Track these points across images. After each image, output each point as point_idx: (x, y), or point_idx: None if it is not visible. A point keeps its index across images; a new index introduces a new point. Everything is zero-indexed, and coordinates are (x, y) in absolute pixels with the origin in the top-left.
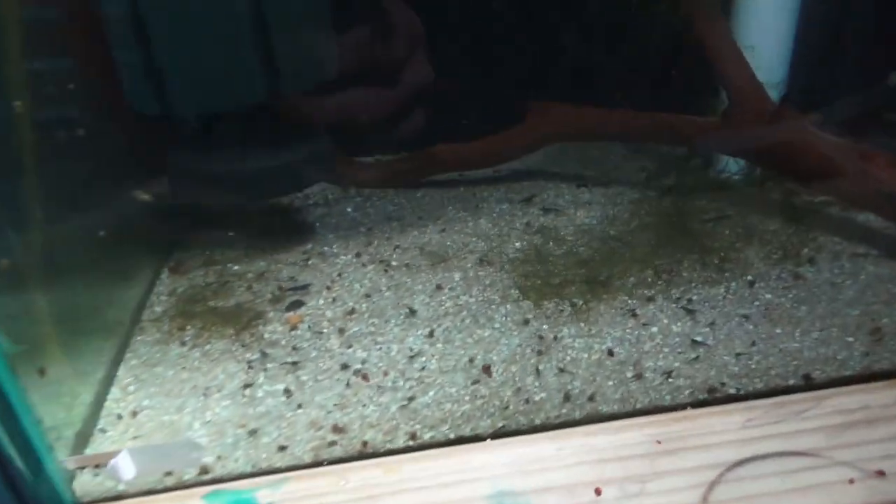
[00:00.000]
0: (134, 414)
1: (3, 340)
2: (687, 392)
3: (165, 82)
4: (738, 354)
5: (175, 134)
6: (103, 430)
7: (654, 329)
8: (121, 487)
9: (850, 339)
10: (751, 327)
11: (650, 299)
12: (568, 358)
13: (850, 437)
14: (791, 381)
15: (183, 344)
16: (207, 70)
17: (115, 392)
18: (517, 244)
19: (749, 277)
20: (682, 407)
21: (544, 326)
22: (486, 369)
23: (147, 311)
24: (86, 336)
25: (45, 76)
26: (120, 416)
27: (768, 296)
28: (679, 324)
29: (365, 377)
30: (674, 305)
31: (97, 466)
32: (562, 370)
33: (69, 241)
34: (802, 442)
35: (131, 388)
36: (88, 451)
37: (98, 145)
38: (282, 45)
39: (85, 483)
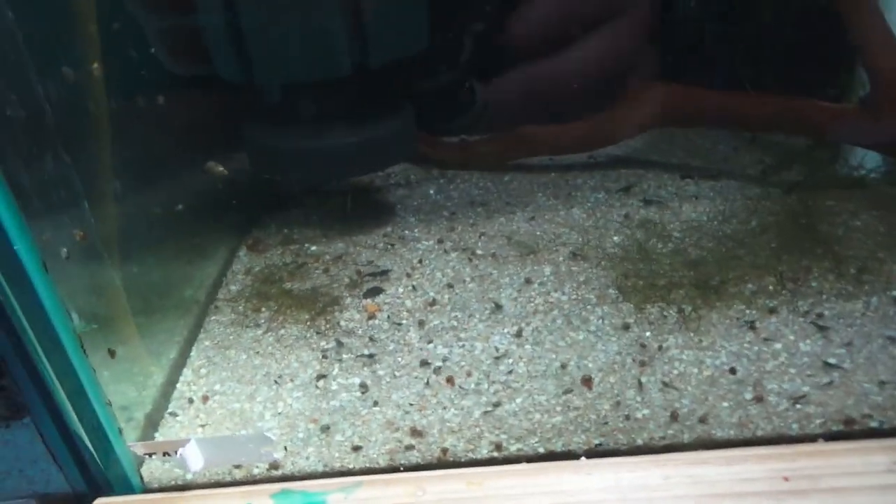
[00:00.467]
0: (205, 399)
1: (75, 318)
2: (818, 422)
3: (249, 49)
4: (882, 383)
5: (257, 105)
6: (174, 414)
7: (778, 346)
8: (188, 477)
9: None
10: None
11: (772, 311)
12: (675, 372)
13: None
14: None
15: (257, 326)
16: (292, 38)
17: (187, 374)
18: (615, 238)
19: (894, 293)
20: (813, 439)
21: (647, 333)
22: (587, 381)
23: (223, 289)
24: (160, 314)
25: (125, 38)
26: (191, 401)
27: None
28: (808, 341)
29: (449, 380)
30: (801, 320)
31: (165, 454)
32: (667, 385)
33: (145, 216)
34: None
35: (203, 371)
36: (158, 435)
37: (179, 114)
38: (373, 15)
39: (154, 469)
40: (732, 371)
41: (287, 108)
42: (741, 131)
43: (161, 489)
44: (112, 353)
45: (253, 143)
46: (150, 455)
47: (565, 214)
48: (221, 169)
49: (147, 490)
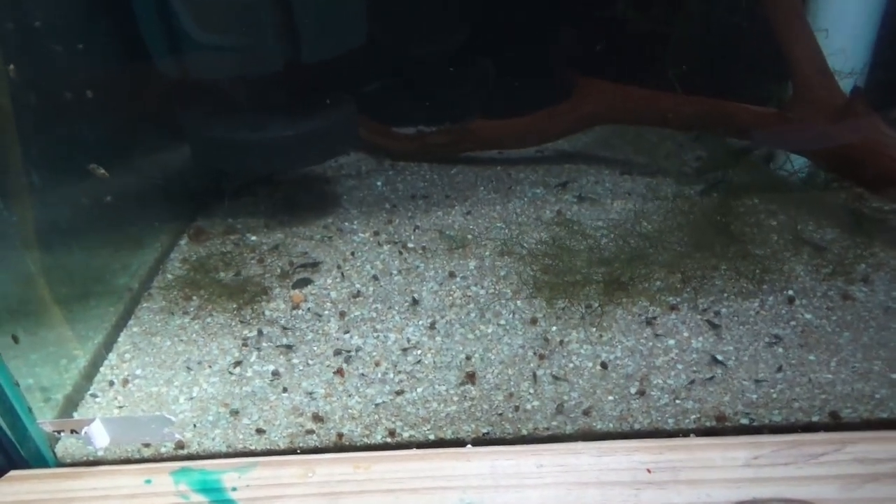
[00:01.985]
0: (125, 382)
1: None
2: (693, 417)
3: (186, 44)
4: (758, 381)
5: (197, 96)
6: (94, 396)
7: (671, 342)
8: (99, 453)
9: None
10: (780, 350)
11: (673, 307)
12: (570, 365)
13: (869, 493)
14: (815, 418)
15: (185, 314)
16: (230, 32)
17: (111, 359)
18: (542, 234)
19: (790, 293)
20: (686, 433)
21: (553, 328)
22: (483, 373)
23: (158, 277)
24: (91, 301)
25: (50, 34)
26: (111, 383)
27: (808, 315)
28: (700, 338)
29: (355, 366)
30: (699, 317)
31: (73, 432)
32: (559, 378)
33: (73, 206)
34: (812, 490)
35: (128, 356)
36: (76, 415)
37: (113, 108)
38: (306, 10)
39: (68, 445)
40: (616, 365)
41: (228, 100)
42: (672, 130)
43: (73, 464)
44: (15, 339)
45: (194, 134)
46: (59, 432)
47: (501, 209)
48: (103, 171)
49: (60, 465)
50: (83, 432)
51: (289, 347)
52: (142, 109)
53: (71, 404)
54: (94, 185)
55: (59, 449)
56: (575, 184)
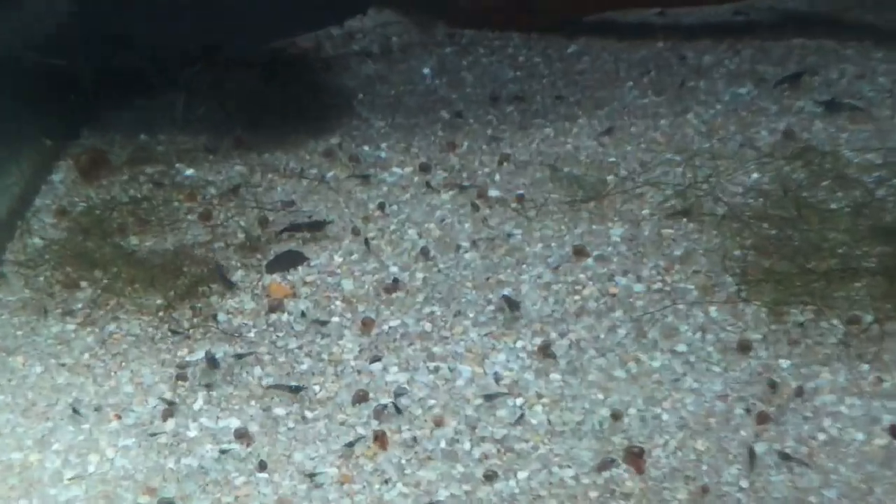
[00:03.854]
0: None
1: None
2: None
3: None
4: None
5: None
6: None
7: None
8: None
9: None
10: None
11: None
12: (821, 437)
13: None
14: None
15: (68, 315)
16: None
17: None
18: (753, 176)
19: None
20: None
21: (783, 362)
22: (645, 450)
23: (14, 244)
24: None
25: None
26: None
27: None
28: None
29: (401, 431)
30: None
31: None
32: (797, 461)
33: None
34: None
35: None
36: None
37: None
38: None
39: None
40: None
41: None
42: None
43: None
44: None
45: None
46: None
47: (670, 124)
48: None
49: None
50: None
51: (265, 387)
52: None
53: None
54: None
55: None
56: (817, 77)
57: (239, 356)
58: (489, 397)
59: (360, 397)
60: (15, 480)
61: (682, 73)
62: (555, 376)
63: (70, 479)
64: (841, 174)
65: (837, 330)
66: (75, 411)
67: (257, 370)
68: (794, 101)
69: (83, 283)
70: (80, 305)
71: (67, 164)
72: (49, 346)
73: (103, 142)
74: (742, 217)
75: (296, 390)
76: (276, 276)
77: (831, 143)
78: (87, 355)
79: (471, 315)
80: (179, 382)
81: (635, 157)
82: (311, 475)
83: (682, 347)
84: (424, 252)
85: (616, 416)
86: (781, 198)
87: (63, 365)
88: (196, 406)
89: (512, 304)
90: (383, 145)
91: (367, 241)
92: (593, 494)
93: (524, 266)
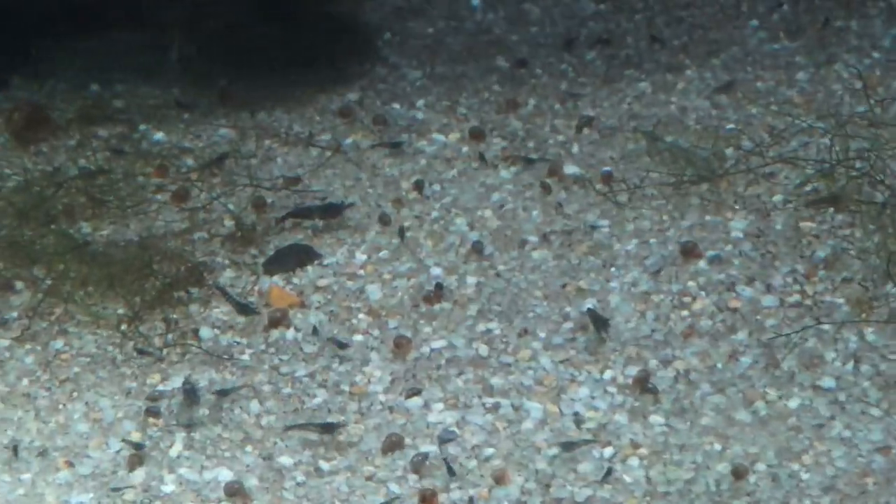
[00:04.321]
0: None
1: None
2: None
3: None
4: None
5: None
6: None
7: None
8: None
9: None
10: None
11: None
12: None
13: None
14: None
15: (0, 326)
16: None
17: None
18: None
19: None
20: None
21: None
22: None
23: None
24: None
25: None
26: None
27: None
28: None
29: (441, 482)
30: None
31: None
32: None
33: None
34: None
35: None
36: None
37: None
38: None
39: None
40: None
41: None
42: None
43: None
44: None
45: None
46: None
47: (809, 80)
48: None
49: None
50: None
51: (264, 427)
52: None
53: None
54: None
55: None
56: None
57: (228, 387)
58: (568, 446)
59: (394, 444)
60: None
61: (826, 8)
62: (656, 419)
63: None
64: None
65: None
66: (12, 455)
67: (254, 405)
68: None
69: (18, 285)
70: (14, 314)
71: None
72: None
73: (41, 94)
74: None
75: (309, 431)
76: (278, 279)
77: None
78: (25, 381)
79: (541, 335)
80: (150, 420)
81: (763, 122)
82: None
83: (827, 382)
84: (477, 248)
85: (738, 473)
86: None
87: None
88: (173, 452)
89: (598, 322)
90: (420, 103)
91: (400, 233)
92: None
93: (613, 269)
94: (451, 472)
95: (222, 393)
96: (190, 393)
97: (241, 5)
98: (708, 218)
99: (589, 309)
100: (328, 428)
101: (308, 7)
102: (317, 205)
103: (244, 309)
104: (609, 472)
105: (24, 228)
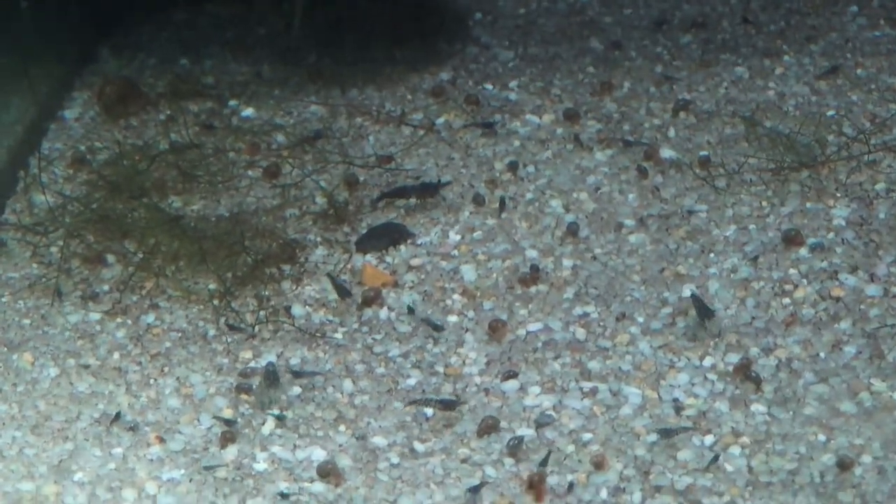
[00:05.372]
0: None
1: None
2: None
3: None
4: None
5: None
6: None
7: None
8: None
9: None
10: None
11: None
12: None
13: None
14: None
15: (90, 300)
16: None
17: None
18: None
19: None
20: None
21: None
22: None
23: (17, 201)
24: None
25: None
26: None
27: None
28: None
29: (542, 480)
30: None
31: None
32: None
33: None
34: None
35: None
36: None
37: None
38: None
39: None
40: None
41: None
42: None
43: None
44: None
45: None
46: None
47: None
48: None
49: None
50: None
51: (356, 402)
52: None
53: None
54: None
55: None
56: None
57: (321, 364)
58: (667, 433)
59: (489, 427)
60: None
61: None
62: (758, 408)
63: None
64: None
65: None
66: (101, 431)
67: (347, 384)
68: None
69: (109, 258)
70: (106, 288)
71: (84, 96)
72: (66, 340)
73: (131, 68)
74: None
75: (387, 408)
76: (371, 258)
77: None
78: (117, 355)
79: (640, 319)
80: (242, 396)
81: (865, 109)
82: None
83: None
84: (573, 231)
85: (844, 465)
86: None
87: (86, 367)
88: (265, 430)
89: (699, 307)
90: (512, 84)
91: (500, 205)
92: None
93: (712, 255)
94: (545, 461)
95: (310, 374)
96: (292, 372)
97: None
98: (809, 205)
99: (693, 295)
100: (449, 405)
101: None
102: (413, 184)
103: (344, 292)
104: (712, 460)
105: (115, 202)
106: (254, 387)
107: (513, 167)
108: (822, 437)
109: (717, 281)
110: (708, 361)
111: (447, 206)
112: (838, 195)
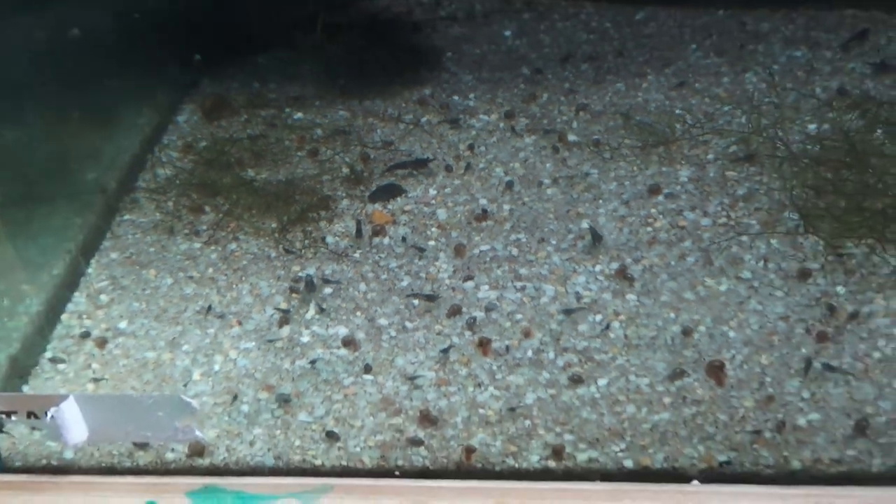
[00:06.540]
0: (102, 342)
1: None
2: None
3: None
4: None
5: None
6: (55, 360)
7: None
8: (67, 455)
9: None
10: None
11: None
12: (876, 355)
13: None
14: None
15: (194, 235)
16: None
17: (79, 301)
18: (810, 126)
19: None
20: None
21: (839, 288)
22: (718, 364)
23: (146, 174)
24: (44, 206)
25: None
26: (82, 340)
27: None
28: None
29: (488, 342)
30: None
31: (31, 416)
32: (852, 375)
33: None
34: None
35: (104, 297)
36: (27, 388)
37: None
38: None
39: (19, 438)
40: None
41: None
42: None
43: (25, 470)
44: None
45: None
46: (8, 415)
47: (731, 81)
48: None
49: (4, 470)
50: (47, 417)
51: (368, 299)
52: None
53: (17, 371)
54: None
55: (5, 445)
56: (868, 42)
57: (345, 275)
58: (570, 312)
59: (454, 311)
60: (150, 376)
61: (742, 38)
62: (630, 296)
63: (199, 377)
64: (890, 122)
65: (891, 262)
66: (201, 320)
67: (362, 286)
68: (846, 60)
69: (207, 208)
70: (204, 227)
71: (191, 107)
72: (178, 261)
73: (222, 88)
74: (800, 162)
75: (387, 301)
76: (378, 206)
77: (882, 96)
78: (211, 270)
79: (553, 242)
80: (293, 294)
81: (700, 109)
82: (412, 378)
83: (746, 274)
84: (510, 186)
85: (687, 332)
86: (838, 144)
87: (190, 278)
88: (308, 315)
89: (593, 234)
90: (471, 95)
91: (457, 176)
92: (667, 400)
93: (601, 201)
94: (472, 325)
95: (344, 273)
96: (321, 279)
97: (352, 35)
98: (664, 168)
99: (589, 227)
100: (429, 297)
101: (396, 36)
102: (408, 160)
103: (360, 228)
104: (601, 331)
105: (210, 172)
106: (301, 288)
107: (471, 147)
108: (672, 315)
109: (604, 217)
110: (598, 268)
111: (428, 172)
112: (683, 162)
